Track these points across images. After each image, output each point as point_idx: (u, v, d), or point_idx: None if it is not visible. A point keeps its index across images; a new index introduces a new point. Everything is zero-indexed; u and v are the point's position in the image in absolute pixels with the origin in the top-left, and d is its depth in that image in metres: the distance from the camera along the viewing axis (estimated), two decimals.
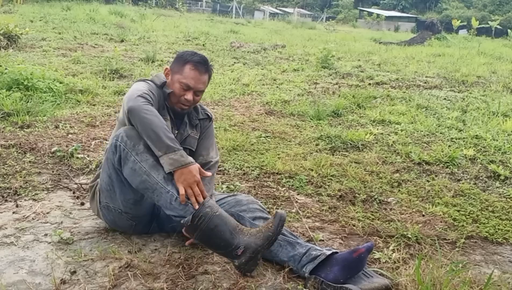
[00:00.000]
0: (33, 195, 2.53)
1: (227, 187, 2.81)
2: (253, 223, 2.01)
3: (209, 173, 1.97)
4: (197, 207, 1.82)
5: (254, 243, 1.78)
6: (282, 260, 1.95)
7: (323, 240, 2.27)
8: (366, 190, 2.92)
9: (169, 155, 1.83)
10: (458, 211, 2.69)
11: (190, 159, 1.88)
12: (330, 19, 34.00)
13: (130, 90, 1.99)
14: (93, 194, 2.17)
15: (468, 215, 2.64)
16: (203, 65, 2.08)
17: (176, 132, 2.15)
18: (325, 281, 1.78)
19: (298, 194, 2.82)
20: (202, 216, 1.80)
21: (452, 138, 4.16)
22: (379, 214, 2.59)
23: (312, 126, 4.39)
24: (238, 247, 1.79)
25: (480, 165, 3.52)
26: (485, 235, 2.42)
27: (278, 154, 3.48)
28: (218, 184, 2.85)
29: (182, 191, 1.81)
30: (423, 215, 2.61)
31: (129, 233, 2.15)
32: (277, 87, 6.28)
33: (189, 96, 2.07)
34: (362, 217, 2.53)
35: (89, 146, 3.37)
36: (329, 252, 1.86)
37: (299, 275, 1.90)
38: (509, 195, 2.97)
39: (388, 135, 4.19)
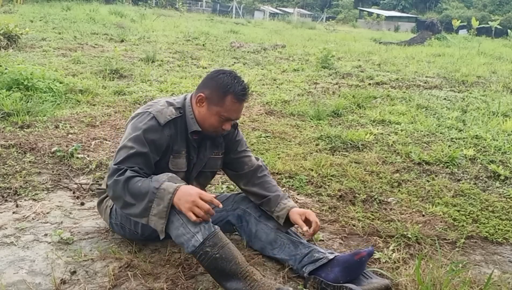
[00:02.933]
0: (33, 195, 2.53)
1: (227, 187, 2.80)
2: (258, 220, 2.01)
3: (219, 204, 1.75)
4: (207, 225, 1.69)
5: None
6: (283, 258, 1.95)
7: (323, 240, 2.27)
8: (366, 190, 2.92)
9: (151, 213, 1.70)
10: (458, 211, 2.69)
11: (173, 186, 1.70)
12: (330, 19, 34.01)
13: (122, 147, 1.82)
14: (102, 201, 2.11)
15: (468, 215, 2.64)
16: (245, 95, 1.88)
17: (195, 157, 2.01)
18: (324, 281, 1.78)
19: (298, 194, 2.82)
20: (202, 254, 1.67)
21: (452, 138, 4.16)
22: (379, 214, 2.59)
23: (312, 126, 4.39)
24: None
25: (480, 165, 3.52)
26: (485, 235, 2.42)
27: (278, 154, 3.48)
28: (218, 184, 2.86)
29: (192, 217, 1.65)
30: (423, 215, 2.61)
31: None
32: (277, 87, 6.28)
33: (228, 126, 1.92)
34: (362, 217, 2.53)
35: (89, 146, 3.37)
36: (331, 256, 1.85)
37: (299, 274, 1.90)
38: (509, 195, 2.97)
39: (388, 135, 4.19)
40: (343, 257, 1.85)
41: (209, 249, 1.65)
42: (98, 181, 2.75)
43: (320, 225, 2.00)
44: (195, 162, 2.01)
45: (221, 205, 1.76)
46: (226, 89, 1.84)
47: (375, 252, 2.14)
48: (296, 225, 2.01)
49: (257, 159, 2.17)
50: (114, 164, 1.79)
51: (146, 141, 1.81)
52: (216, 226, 1.73)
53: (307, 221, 1.96)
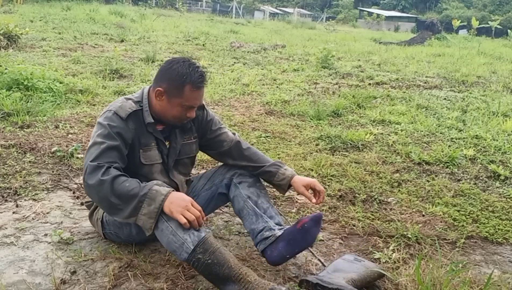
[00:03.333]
0: (33, 195, 2.53)
1: None
2: (237, 186, 2.02)
3: (204, 217, 1.76)
4: (202, 234, 1.69)
5: None
6: (246, 228, 1.99)
7: (323, 240, 2.27)
8: (366, 190, 2.92)
9: (141, 212, 1.68)
10: (458, 211, 2.69)
11: (165, 189, 1.71)
12: (330, 19, 34.03)
13: (88, 153, 1.79)
14: (92, 213, 2.09)
15: (468, 215, 2.64)
16: (203, 81, 1.88)
17: (168, 146, 2.00)
18: (319, 283, 1.76)
19: (298, 194, 2.81)
20: (194, 261, 1.67)
21: (452, 138, 4.16)
22: (379, 214, 2.59)
23: (312, 126, 4.39)
24: None
25: (480, 165, 3.52)
26: (485, 235, 2.42)
27: (278, 154, 3.48)
28: None
29: (183, 219, 1.65)
30: (423, 215, 2.61)
31: None
32: (277, 87, 6.28)
33: (193, 113, 1.92)
34: (362, 217, 2.53)
35: None
36: (279, 233, 1.85)
37: (297, 275, 1.91)
38: (509, 195, 2.97)
39: (388, 135, 4.19)
40: (287, 229, 1.85)
41: (201, 256, 1.65)
42: None
43: (324, 191, 2.01)
44: (167, 152, 1.99)
45: (205, 218, 1.77)
46: (183, 79, 1.82)
47: (375, 252, 2.14)
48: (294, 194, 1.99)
49: (234, 133, 2.17)
50: (91, 161, 1.74)
51: (114, 134, 1.81)
52: (207, 230, 1.73)
53: (313, 191, 2.01)
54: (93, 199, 1.87)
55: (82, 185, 2.69)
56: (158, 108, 1.91)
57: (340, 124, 4.51)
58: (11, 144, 3.20)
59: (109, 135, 1.81)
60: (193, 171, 2.69)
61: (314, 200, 2.00)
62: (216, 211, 2.39)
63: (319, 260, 2.09)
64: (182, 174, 2.10)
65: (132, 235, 1.99)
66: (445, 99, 6.04)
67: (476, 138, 4.17)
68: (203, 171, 3.05)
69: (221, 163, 2.20)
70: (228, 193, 2.08)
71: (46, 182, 2.72)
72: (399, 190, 2.96)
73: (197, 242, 1.66)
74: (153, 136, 1.94)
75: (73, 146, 3.18)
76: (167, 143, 2.00)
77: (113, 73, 6.12)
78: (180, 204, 1.68)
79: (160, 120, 1.94)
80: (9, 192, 2.54)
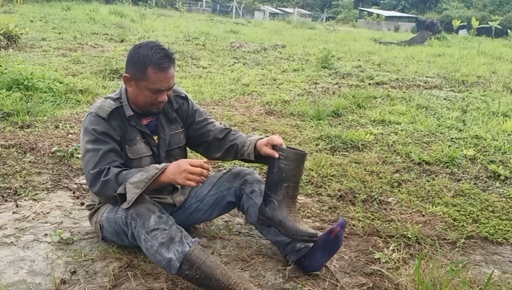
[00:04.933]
0: (33, 195, 2.53)
1: None
2: (249, 197, 2.01)
3: (209, 167, 1.76)
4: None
5: None
6: (271, 241, 2.04)
7: None
8: (366, 190, 2.92)
9: (130, 181, 1.73)
10: (458, 211, 2.69)
11: (161, 165, 1.78)
12: (330, 19, 34.01)
13: (84, 162, 1.84)
14: (92, 215, 2.07)
15: (468, 215, 2.64)
16: (166, 61, 1.82)
17: (156, 139, 2.00)
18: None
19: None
20: (184, 277, 1.71)
21: (452, 138, 4.16)
22: (379, 214, 2.59)
23: (312, 126, 4.39)
24: None
25: (480, 165, 3.52)
26: (485, 235, 2.42)
27: None
28: None
29: (192, 184, 1.70)
30: (423, 215, 2.61)
31: None
32: (277, 87, 6.28)
33: (163, 97, 1.87)
34: (362, 217, 2.53)
35: None
36: (311, 244, 1.90)
37: (297, 275, 1.92)
38: (509, 195, 2.97)
39: (388, 135, 4.19)
40: (321, 239, 1.89)
41: (188, 272, 1.68)
42: None
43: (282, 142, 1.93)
44: (156, 145, 1.99)
45: (211, 169, 1.77)
46: (144, 62, 1.80)
47: (375, 252, 2.14)
48: None
49: (220, 123, 2.15)
50: (91, 170, 1.78)
51: (102, 136, 1.82)
52: (193, 240, 1.73)
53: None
54: (103, 200, 1.94)
55: (83, 186, 2.70)
56: (130, 96, 1.91)
57: (340, 124, 4.51)
58: (11, 144, 3.20)
59: (97, 140, 1.82)
60: None
61: (277, 155, 1.87)
62: None
63: None
64: None
65: (125, 244, 1.99)
66: (445, 99, 6.04)
67: (476, 138, 4.16)
68: None
69: (226, 170, 2.18)
70: (237, 202, 2.08)
71: (46, 182, 2.72)
72: (399, 190, 2.96)
73: (182, 259, 1.68)
74: (136, 129, 1.94)
75: (73, 146, 3.18)
76: (155, 137, 2.00)
77: (113, 73, 6.12)
78: (179, 171, 1.72)
79: (139, 111, 1.93)
80: (9, 192, 2.54)
